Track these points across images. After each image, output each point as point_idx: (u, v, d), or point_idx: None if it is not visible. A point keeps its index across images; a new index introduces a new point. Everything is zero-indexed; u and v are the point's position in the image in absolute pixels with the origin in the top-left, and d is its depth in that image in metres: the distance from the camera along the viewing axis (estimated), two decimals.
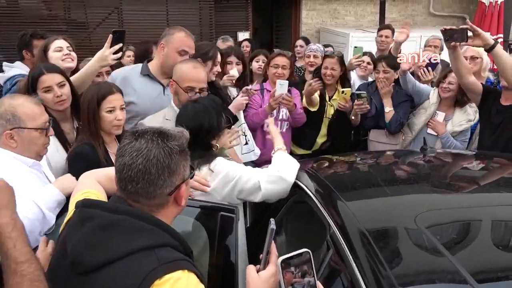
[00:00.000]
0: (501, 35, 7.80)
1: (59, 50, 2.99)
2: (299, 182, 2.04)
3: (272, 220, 1.15)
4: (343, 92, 3.70)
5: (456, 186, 1.89)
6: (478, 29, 2.83)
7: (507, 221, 1.63)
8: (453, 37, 2.82)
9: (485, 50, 2.95)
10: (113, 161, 2.22)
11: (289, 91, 3.48)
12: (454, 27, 2.90)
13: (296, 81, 3.98)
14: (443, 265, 1.30)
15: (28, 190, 1.81)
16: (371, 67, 4.48)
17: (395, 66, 3.61)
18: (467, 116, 3.47)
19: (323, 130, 3.87)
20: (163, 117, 2.55)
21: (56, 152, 2.35)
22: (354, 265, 1.36)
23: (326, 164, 2.41)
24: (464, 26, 2.82)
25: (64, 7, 7.35)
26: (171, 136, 1.26)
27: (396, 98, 3.64)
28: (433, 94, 3.57)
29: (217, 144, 2.12)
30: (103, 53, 2.76)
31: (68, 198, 1.92)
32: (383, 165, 2.37)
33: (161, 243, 1.16)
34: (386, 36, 4.88)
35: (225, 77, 3.44)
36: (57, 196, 1.86)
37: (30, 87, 2.45)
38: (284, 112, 3.57)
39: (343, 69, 3.82)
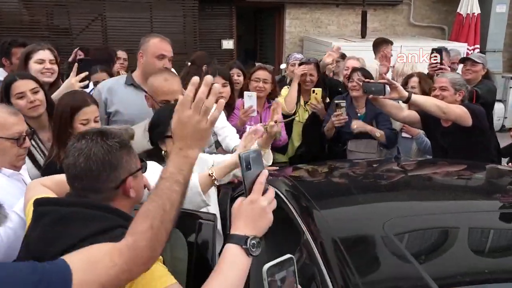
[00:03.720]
0: (478, 46, 8.04)
1: (40, 63, 2.96)
2: (275, 189, 2.10)
3: (241, 153, 1.16)
4: (313, 91, 3.77)
5: (426, 193, 1.97)
6: (395, 82, 3.00)
7: (473, 228, 1.71)
8: (372, 90, 2.99)
9: (403, 102, 3.07)
10: None
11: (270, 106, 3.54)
12: (373, 81, 3.09)
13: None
14: (408, 272, 1.36)
15: (9, 199, 1.83)
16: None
17: (369, 78, 3.68)
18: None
19: (295, 133, 3.93)
20: (144, 128, 2.57)
21: (31, 168, 2.34)
22: (325, 272, 1.42)
23: (302, 171, 2.48)
24: (383, 81, 2.97)
25: (46, 13, 7.32)
26: (111, 134, 1.38)
27: (373, 109, 3.70)
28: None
29: (165, 150, 2.14)
30: (69, 81, 2.81)
31: None
32: (357, 174, 2.44)
33: (114, 226, 1.25)
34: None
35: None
36: None
37: (4, 95, 2.44)
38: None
39: (319, 75, 3.96)
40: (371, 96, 3.03)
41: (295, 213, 1.83)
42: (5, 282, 0.95)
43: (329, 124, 3.66)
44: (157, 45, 2.90)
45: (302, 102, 4.02)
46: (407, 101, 2.96)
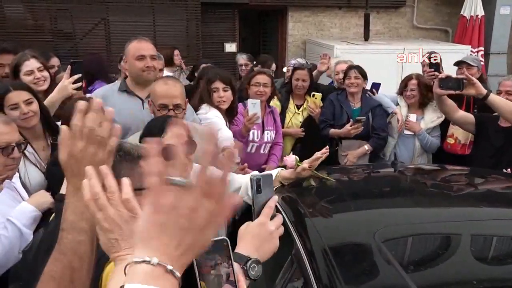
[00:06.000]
0: (482, 48, 7.98)
1: (30, 74, 2.97)
2: None
3: (252, 176, 1.16)
4: (313, 95, 3.79)
5: (419, 201, 1.96)
6: (474, 79, 2.93)
7: (465, 237, 1.71)
8: (448, 85, 2.95)
9: (480, 99, 3.02)
10: None
11: (271, 111, 3.57)
12: (451, 75, 3.01)
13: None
14: (395, 281, 1.36)
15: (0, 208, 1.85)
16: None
17: (364, 75, 3.85)
18: (437, 113, 3.71)
19: (287, 143, 3.93)
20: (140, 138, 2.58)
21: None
22: (314, 284, 1.42)
23: None
24: (461, 76, 2.97)
25: (50, 17, 7.36)
26: (122, 149, 1.34)
27: (368, 103, 3.81)
28: (401, 99, 3.90)
29: None
30: (62, 84, 2.81)
31: (43, 213, 1.97)
32: (351, 181, 2.44)
33: None
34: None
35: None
36: (32, 212, 1.89)
37: None
38: (255, 134, 3.49)
39: (312, 80, 4.03)
40: (442, 91, 2.99)
41: (287, 221, 1.83)
42: None
43: (339, 133, 3.69)
44: (135, 47, 2.89)
45: (293, 107, 4.03)
46: (484, 99, 2.92)
